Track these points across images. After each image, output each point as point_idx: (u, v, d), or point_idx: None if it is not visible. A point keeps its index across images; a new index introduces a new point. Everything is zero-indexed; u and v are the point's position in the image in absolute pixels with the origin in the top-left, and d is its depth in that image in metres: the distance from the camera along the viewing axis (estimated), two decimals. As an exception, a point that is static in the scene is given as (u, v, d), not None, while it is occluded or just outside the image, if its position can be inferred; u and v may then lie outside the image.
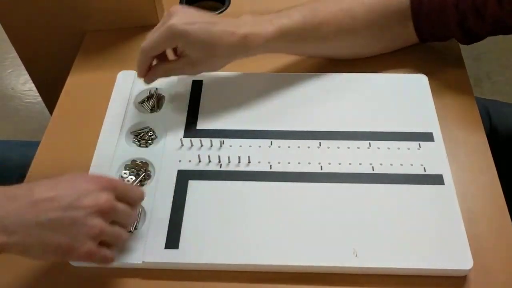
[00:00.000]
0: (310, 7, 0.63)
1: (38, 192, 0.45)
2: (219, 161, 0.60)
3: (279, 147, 0.61)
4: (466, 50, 0.72)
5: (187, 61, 0.60)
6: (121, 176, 0.59)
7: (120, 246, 0.51)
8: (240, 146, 0.61)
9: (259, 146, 0.61)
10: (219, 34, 0.58)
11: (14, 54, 0.84)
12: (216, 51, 0.59)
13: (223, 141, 0.61)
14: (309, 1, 0.64)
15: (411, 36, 0.66)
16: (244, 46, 0.60)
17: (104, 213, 0.47)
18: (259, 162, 0.59)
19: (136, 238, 0.54)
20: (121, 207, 0.48)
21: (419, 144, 0.60)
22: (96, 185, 0.47)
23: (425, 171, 0.58)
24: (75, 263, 0.53)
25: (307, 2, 0.64)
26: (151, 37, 0.58)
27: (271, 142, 0.61)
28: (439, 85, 0.67)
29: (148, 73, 0.61)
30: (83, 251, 0.46)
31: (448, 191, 0.56)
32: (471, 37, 0.65)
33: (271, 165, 0.59)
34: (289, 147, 0.61)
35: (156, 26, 0.59)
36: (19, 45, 0.83)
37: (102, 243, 0.48)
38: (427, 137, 0.61)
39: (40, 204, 0.44)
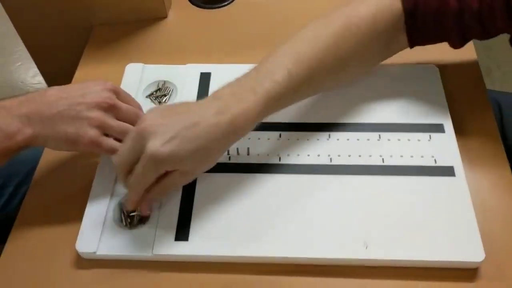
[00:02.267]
0: (292, 56, 0.54)
1: (50, 94, 0.54)
2: (228, 153, 0.59)
3: (288, 139, 0.61)
4: (477, 40, 0.71)
5: (181, 173, 0.52)
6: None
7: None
8: (249, 138, 0.61)
9: (268, 139, 0.61)
10: (205, 135, 0.49)
11: (22, 47, 0.85)
12: (208, 152, 0.51)
13: (232, 133, 0.61)
14: (288, 41, 0.56)
15: (402, 45, 0.61)
16: (235, 133, 0.52)
17: (106, 107, 0.54)
18: (268, 155, 0.59)
19: (146, 230, 0.54)
20: (123, 105, 0.56)
21: (430, 136, 0.60)
22: (101, 86, 0.55)
23: (435, 162, 0.57)
24: (83, 254, 0.53)
25: (286, 45, 0.56)
26: (137, 173, 0.50)
27: (280, 134, 0.61)
28: (450, 76, 0.66)
29: (143, 206, 0.54)
30: (87, 138, 0.53)
31: (459, 183, 0.56)
32: (466, 42, 0.61)
33: (280, 157, 0.59)
34: (298, 139, 0.60)
35: (126, 143, 0.51)
36: (27, 39, 0.83)
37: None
38: (438, 128, 0.60)
39: (53, 103, 0.53)
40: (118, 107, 0.55)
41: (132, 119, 0.55)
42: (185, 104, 0.54)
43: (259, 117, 0.52)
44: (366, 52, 0.59)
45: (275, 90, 0.52)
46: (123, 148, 0.51)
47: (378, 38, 0.58)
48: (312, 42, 0.55)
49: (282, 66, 0.53)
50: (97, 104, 0.53)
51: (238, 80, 0.53)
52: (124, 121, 0.55)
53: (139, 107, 0.59)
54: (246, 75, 0.54)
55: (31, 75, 1.62)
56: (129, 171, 0.51)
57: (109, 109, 0.54)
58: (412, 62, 0.68)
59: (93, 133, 0.53)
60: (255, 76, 0.53)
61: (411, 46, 0.61)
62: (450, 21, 0.57)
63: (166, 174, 0.51)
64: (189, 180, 0.54)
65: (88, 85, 0.55)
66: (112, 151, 0.53)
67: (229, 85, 0.53)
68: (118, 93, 0.56)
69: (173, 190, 0.55)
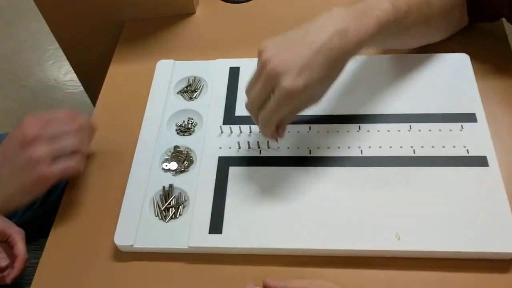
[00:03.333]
0: None
1: None
2: (259, 147, 0.60)
3: (318, 132, 0.61)
4: (509, 28, 0.69)
5: (310, 97, 0.54)
6: (163, 166, 0.60)
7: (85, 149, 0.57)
8: (279, 131, 0.61)
9: (298, 131, 0.61)
10: (329, 63, 0.51)
11: (54, 45, 0.87)
12: (334, 78, 0.53)
13: (262, 127, 0.62)
14: None
15: (464, 19, 0.65)
16: (351, 54, 0.53)
17: (34, 140, 0.53)
18: (298, 148, 0.60)
19: (181, 223, 0.55)
20: (51, 128, 0.54)
21: (462, 126, 0.59)
22: (23, 126, 0.54)
23: (468, 153, 0.57)
24: (121, 247, 0.55)
25: None
26: (274, 108, 0.52)
27: (310, 127, 0.61)
28: (482, 65, 0.65)
29: (280, 130, 0.56)
30: (42, 177, 0.53)
31: (493, 173, 0.55)
32: None
33: (310, 150, 0.59)
34: (328, 131, 0.61)
35: (257, 84, 0.53)
36: (60, 36, 0.85)
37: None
38: (470, 118, 0.60)
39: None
40: (42, 135, 0.53)
41: (67, 118, 0.56)
42: (300, 30, 0.54)
43: (369, 41, 0.54)
44: (447, 12, 0.62)
45: (384, 17, 0.54)
46: (255, 89, 0.53)
47: (454, 4, 0.62)
48: None
49: (387, 0, 0.56)
50: (23, 143, 0.53)
51: (346, 7, 0.54)
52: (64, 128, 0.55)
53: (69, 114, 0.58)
54: (352, 7, 0.55)
55: (64, 73, 1.66)
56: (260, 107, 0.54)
57: (36, 139, 0.53)
58: (443, 51, 0.67)
59: (41, 168, 0.53)
60: (363, 6, 0.55)
61: (471, 23, 0.64)
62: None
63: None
64: (315, 102, 0.55)
65: (14, 134, 0.54)
66: (66, 171, 0.54)
67: (339, 9, 0.54)
68: (38, 119, 0.55)
69: (304, 109, 0.56)
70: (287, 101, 0.51)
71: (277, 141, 0.59)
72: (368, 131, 0.60)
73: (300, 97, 0.51)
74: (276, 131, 0.56)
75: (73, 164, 0.55)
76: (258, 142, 0.60)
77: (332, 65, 0.52)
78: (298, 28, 0.54)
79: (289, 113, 0.54)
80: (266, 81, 0.51)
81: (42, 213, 0.70)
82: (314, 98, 0.54)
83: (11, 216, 0.56)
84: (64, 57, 0.89)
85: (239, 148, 0.60)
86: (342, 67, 0.54)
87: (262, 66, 0.52)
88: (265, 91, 0.52)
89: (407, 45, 0.66)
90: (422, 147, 0.58)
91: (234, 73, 0.68)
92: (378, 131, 0.60)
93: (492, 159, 0.56)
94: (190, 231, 0.54)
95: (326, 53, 0.51)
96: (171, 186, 0.58)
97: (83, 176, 0.62)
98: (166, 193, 0.58)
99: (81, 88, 1.00)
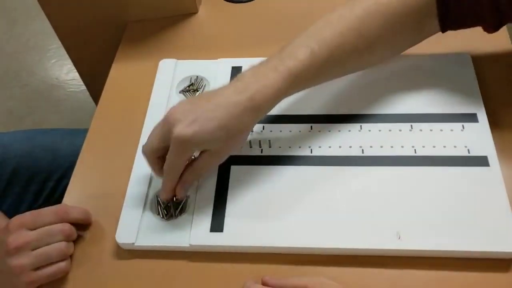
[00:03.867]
0: (315, 36, 0.55)
1: None
2: (260, 146, 0.60)
3: (319, 131, 0.61)
4: (510, 27, 0.69)
5: (209, 154, 0.54)
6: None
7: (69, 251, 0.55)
8: (280, 131, 0.62)
9: (299, 131, 0.61)
10: (225, 114, 0.51)
11: (57, 44, 0.87)
12: (231, 130, 0.52)
13: (264, 126, 0.62)
14: (311, 25, 0.57)
15: (433, 29, 0.59)
16: (255, 110, 0.52)
17: (17, 251, 0.51)
18: (299, 147, 0.60)
19: (183, 222, 0.55)
20: (34, 235, 0.53)
21: (463, 125, 0.59)
22: (8, 230, 0.52)
23: (469, 152, 0.57)
24: (122, 245, 0.55)
25: (309, 28, 0.56)
26: (168, 158, 0.53)
27: (311, 126, 0.62)
28: (483, 64, 0.65)
29: (178, 189, 0.55)
30: (26, 284, 0.52)
31: (494, 173, 0.55)
32: (501, 26, 0.59)
33: (311, 149, 0.60)
34: (329, 131, 0.61)
35: (153, 132, 0.54)
36: (63, 36, 0.85)
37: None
38: (471, 118, 0.60)
39: None
40: (29, 242, 0.52)
41: (56, 218, 0.55)
42: (210, 91, 0.55)
43: (280, 94, 0.53)
44: (395, 34, 0.58)
45: (297, 68, 0.53)
46: (151, 137, 0.54)
47: (408, 20, 0.57)
48: (337, 22, 0.55)
49: (305, 45, 0.54)
50: (7, 253, 0.52)
51: (261, 61, 0.55)
52: (47, 242, 0.53)
53: (56, 213, 0.55)
54: (269, 57, 0.55)
55: (66, 72, 1.67)
56: (160, 162, 0.54)
57: (20, 248, 0.52)
58: (444, 50, 0.67)
59: (26, 277, 0.52)
60: (278, 56, 0.54)
61: (443, 31, 0.59)
62: (486, 4, 0.56)
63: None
64: (220, 160, 0.56)
65: None
66: (50, 277, 0.53)
67: (252, 67, 0.54)
68: (22, 223, 0.53)
69: (206, 172, 0.57)
70: (179, 148, 0.51)
71: (167, 200, 0.56)
72: (369, 130, 0.60)
73: (192, 146, 0.52)
74: (177, 187, 0.55)
75: (58, 270, 0.54)
76: (259, 141, 0.61)
77: (234, 121, 0.51)
78: (212, 90, 0.55)
79: (181, 164, 0.53)
80: (163, 126, 0.52)
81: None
82: (216, 154, 0.54)
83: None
84: (66, 56, 0.89)
85: (241, 147, 0.61)
86: (248, 123, 0.53)
87: (165, 115, 0.53)
88: (160, 136, 0.53)
89: (356, 70, 0.62)
90: (423, 146, 0.58)
91: (236, 72, 0.68)
92: (380, 130, 0.60)
93: (493, 159, 0.56)
94: (191, 230, 0.55)
95: (227, 108, 0.51)
96: None
97: (85, 174, 0.63)
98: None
99: (83, 87, 1.00)
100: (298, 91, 0.56)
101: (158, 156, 0.54)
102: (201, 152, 0.54)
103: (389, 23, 0.56)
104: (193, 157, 0.56)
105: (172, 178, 0.54)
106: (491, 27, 0.59)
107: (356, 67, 0.61)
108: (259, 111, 0.53)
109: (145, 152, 0.55)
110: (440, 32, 0.60)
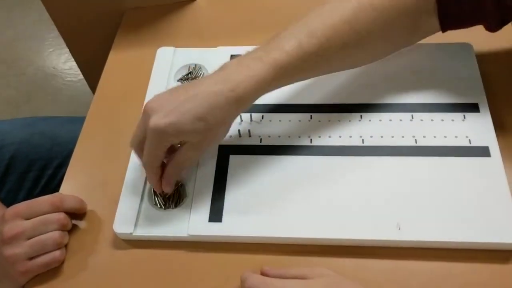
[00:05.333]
0: (305, 28, 0.53)
1: None
2: (259, 136, 0.60)
3: (319, 121, 0.60)
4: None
5: (189, 147, 0.52)
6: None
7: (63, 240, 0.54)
8: (280, 120, 0.61)
9: (299, 120, 0.61)
10: (204, 104, 0.49)
11: (54, 33, 0.87)
12: (210, 121, 0.50)
13: (263, 115, 0.61)
14: (302, 16, 0.54)
15: (432, 29, 0.58)
16: (237, 101, 0.50)
17: (12, 240, 0.51)
18: (299, 137, 0.59)
19: (181, 211, 0.55)
20: (29, 224, 0.52)
21: (464, 116, 0.59)
22: (3, 220, 0.52)
23: (470, 143, 0.57)
24: (120, 235, 0.54)
25: (300, 20, 0.54)
26: (145, 150, 0.52)
27: (311, 116, 0.61)
28: (485, 54, 0.65)
29: (163, 183, 0.54)
30: (21, 273, 0.52)
31: (495, 163, 0.55)
32: (504, 25, 0.57)
33: (311, 139, 0.59)
34: (329, 120, 0.60)
35: (137, 126, 0.53)
36: (61, 24, 0.84)
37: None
38: (472, 108, 0.59)
39: None
40: (24, 231, 0.52)
41: (51, 207, 0.54)
42: (191, 81, 0.54)
43: (264, 86, 0.51)
44: (389, 31, 0.55)
45: (283, 59, 0.51)
46: (135, 129, 0.53)
47: (404, 17, 0.55)
48: (328, 15, 0.53)
49: (293, 37, 0.52)
50: (2, 241, 0.52)
51: (247, 52, 0.53)
52: (42, 231, 0.53)
53: (51, 202, 0.55)
54: (256, 48, 0.53)
55: (63, 61, 1.65)
56: (159, 166, 0.53)
57: (14, 238, 0.52)
58: (446, 40, 0.66)
59: (21, 266, 0.52)
60: (264, 47, 0.52)
61: (444, 30, 0.58)
62: (489, 2, 0.54)
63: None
64: (199, 153, 0.55)
65: None
66: (45, 267, 0.53)
67: (238, 57, 0.53)
68: (16, 213, 0.53)
69: (189, 165, 0.56)
70: (154, 138, 0.50)
71: (162, 193, 0.56)
72: (369, 120, 0.60)
73: (168, 137, 0.50)
74: (162, 181, 0.54)
75: (53, 260, 0.53)
76: (259, 130, 0.60)
77: (213, 111, 0.50)
78: (194, 80, 0.54)
79: (159, 156, 0.52)
80: (142, 119, 0.52)
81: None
82: (196, 147, 0.53)
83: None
84: (64, 46, 0.88)
85: (240, 136, 0.60)
86: (229, 115, 0.52)
87: (144, 106, 0.52)
88: (141, 127, 0.52)
89: (342, 68, 0.60)
90: (424, 137, 0.58)
91: (235, 61, 0.67)
92: (380, 120, 0.60)
93: (494, 150, 0.56)
94: (190, 219, 0.54)
95: (206, 98, 0.49)
96: None
97: (83, 162, 0.62)
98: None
99: (81, 77, 1.00)
100: (283, 84, 0.54)
101: (158, 166, 0.53)
102: (181, 145, 0.53)
103: (382, 18, 0.54)
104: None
105: (153, 170, 0.53)
106: (494, 27, 0.57)
107: (347, 63, 0.58)
108: (241, 102, 0.51)
109: (131, 144, 0.54)
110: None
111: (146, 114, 0.50)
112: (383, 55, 0.60)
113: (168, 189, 0.55)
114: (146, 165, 0.53)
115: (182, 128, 0.49)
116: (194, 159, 0.56)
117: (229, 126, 0.54)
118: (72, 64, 1.59)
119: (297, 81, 0.56)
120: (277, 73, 0.51)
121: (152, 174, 0.53)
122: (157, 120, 0.49)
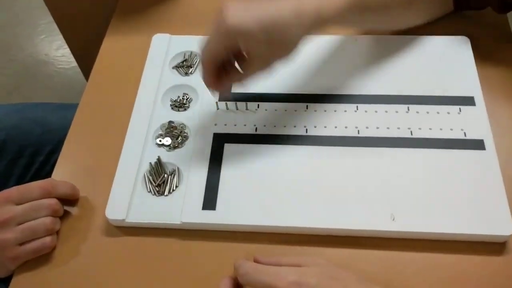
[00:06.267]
0: None
1: None
2: (255, 125, 0.59)
3: (315, 111, 0.60)
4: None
5: (256, 58, 0.52)
6: (157, 141, 0.59)
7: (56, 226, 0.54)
8: (276, 110, 0.61)
9: (295, 110, 0.60)
10: (281, 12, 0.49)
11: (47, 20, 0.86)
12: (282, 31, 0.50)
13: (259, 104, 0.61)
14: None
15: (447, 5, 0.63)
16: (316, 21, 0.51)
17: (2, 224, 0.50)
18: (294, 126, 0.59)
19: (175, 199, 0.55)
20: (20, 209, 0.51)
21: (460, 108, 0.59)
22: None
23: (465, 136, 0.57)
24: (112, 221, 0.54)
25: None
26: (209, 42, 0.51)
27: (307, 106, 0.61)
28: (482, 48, 0.65)
29: (220, 85, 0.55)
30: (11, 259, 0.51)
31: (489, 156, 0.55)
32: (508, 5, 0.61)
33: (307, 129, 0.59)
34: (325, 111, 0.60)
35: (211, 29, 0.52)
36: (55, 10, 0.83)
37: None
38: (468, 101, 0.59)
39: None
40: (15, 216, 0.51)
41: (43, 193, 0.53)
42: None
43: (343, 13, 0.53)
44: (425, 1, 0.61)
45: None
46: (209, 41, 0.52)
47: None
48: None
49: None
50: None
51: None
52: (35, 217, 0.52)
53: (43, 187, 0.54)
54: None
55: (55, 48, 1.63)
56: (217, 65, 0.53)
57: (5, 222, 0.51)
58: (443, 33, 0.66)
59: (11, 251, 0.51)
60: None
61: (455, 10, 0.63)
62: None
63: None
64: (264, 67, 0.53)
65: None
66: (35, 253, 0.52)
67: None
68: (8, 197, 0.52)
69: (250, 77, 0.54)
70: (220, 33, 0.50)
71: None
72: (365, 111, 0.59)
73: (234, 35, 0.49)
74: (220, 83, 0.54)
75: (43, 246, 0.52)
76: (254, 119, 0.60)
77: (282, 21, 0.50)
78: None
79: (220, 52, 0.51)
80: (216, 19, 0.50)
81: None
82: (263, 59, 0.52)
83: None
84: (57, 32, 0.87)
85: (235, 125, 0.60)
86: (298, 31, 0.51)
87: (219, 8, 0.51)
88: (217, 36, 0.51)
89: (385, 27, 0.64)
90: (420, 129, 0.58)
91: (231, 49, 0.67)
92: (376, 111, 0.59)
93: (489, 143, 0.56)
94: (183, 207, 0.54)
95: (280, 7, 0.50)
96: (158, 160, 0.57)
97: (75, 150, 0.62)
98: (156, 167, 0.57)
99: (74, 64, 0.99)
100: (349, 19, 0.56)
101: (217, 65, 0.53)
102: (248, 58, 0.53)
103: None
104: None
105: (209, 68, 0.53)
106: (498, 9, 0.61)
107: (391, 20, 0.62)
108: (317, 27, 0.52)
109: (203, 59, 0.53)
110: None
111: (220, 12, 0.49)
112: (417, 20, 0.65)
113: (226, 94, 0.57)
114: (203, 59, 0.52)
115: (252, 30, 0.49)
116: (257, 72, 0.54)
117: (294, 48, 0.53)
118: (65, 51, 1.57)
119: (355, 25, 0.63)
120: (352, 3, 0.54)
121: (207, 73, 0.53)
122: (231, 18, 0.48)
